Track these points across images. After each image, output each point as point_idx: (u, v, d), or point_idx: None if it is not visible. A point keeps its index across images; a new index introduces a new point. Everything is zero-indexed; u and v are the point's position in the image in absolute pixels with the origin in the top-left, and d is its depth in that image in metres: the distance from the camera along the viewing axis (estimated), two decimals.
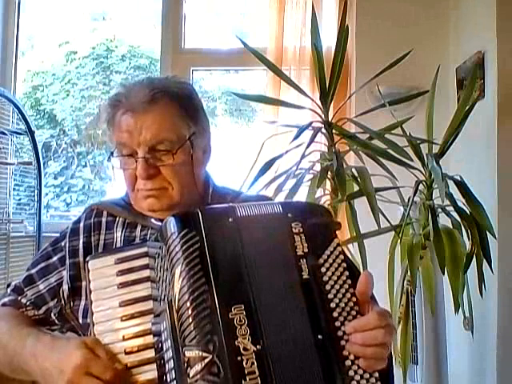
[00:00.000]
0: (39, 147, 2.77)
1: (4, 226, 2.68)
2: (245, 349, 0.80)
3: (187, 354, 0.80)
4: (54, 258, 1.15)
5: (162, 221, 1.05)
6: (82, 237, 1.14)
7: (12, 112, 2.70)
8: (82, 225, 1.16)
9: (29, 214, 2.78)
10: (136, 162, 1.05)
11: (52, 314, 1.13)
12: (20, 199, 2.83)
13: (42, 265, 1.16)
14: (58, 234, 1.21)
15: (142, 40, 3.74)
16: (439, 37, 2.63)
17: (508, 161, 2.09)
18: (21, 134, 2.73)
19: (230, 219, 0.91)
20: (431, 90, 2.03)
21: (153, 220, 1.10)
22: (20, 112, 2.68)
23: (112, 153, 1.10)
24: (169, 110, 1.06)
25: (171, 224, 0.90)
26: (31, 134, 2.71)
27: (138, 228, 1.12)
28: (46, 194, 3.58)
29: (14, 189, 2.77)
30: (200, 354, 0.79)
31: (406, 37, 2.58)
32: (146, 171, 1.04)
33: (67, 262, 1.13)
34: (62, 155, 3.76)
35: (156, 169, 1.06)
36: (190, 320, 0.81)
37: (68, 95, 3.75)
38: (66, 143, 3.73)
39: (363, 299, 0.88)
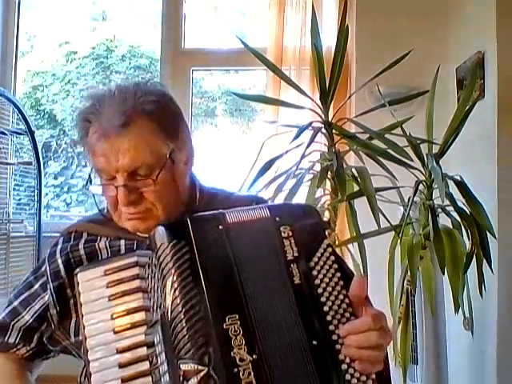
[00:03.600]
0: (39, 147, 2.77)
1: (4, 226, 2.68)
2: (241, 359, 0.79)
3: (182, 367, 0.79)
4: (36, 286, 1.12)
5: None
6: (59, 256, 1.09)
7: (12, 112, 2.70)
8: (59, 247, 1.11)
9: (29, 214, 2.78)
10: (116, 188, 1.00)
11: (44, 339, 1.10)
12: (20, 199, 2.83)
13: (25, 295, 1.12)
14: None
15: (141, 40, 3.74)
16: (439, 37, 2.63)
17: (508, 161, 2.08)
18: (21, 133, 2.73)
19: (220, 226, 0.89)
20: (431, 90, 2.03)
21: (138, 233, 1.06)
22: (20, 112, 2.68)
23: (90, 178, 1.05)
24: (144, 130, 0.99)
25: (160, 234, 0.88)
26: (31, 134, 2.71)
27: (123, 241, 1.08)
28: (46, 194, 3.58)
29: (14, 189, 2.77)
30: (195, 367, 0.78)
31: (406, 37, 2.58)
32: (128, 198, 0.99)
33: (50, 285, 1.08)
34: (62, 155, 3.77)
35: (138, 194, 1.00)
36: (184, 332, 0.80)
37: (68, 95, 3.76)
38: (65, 143, 3.73)
39: (357, 302, 0.86)
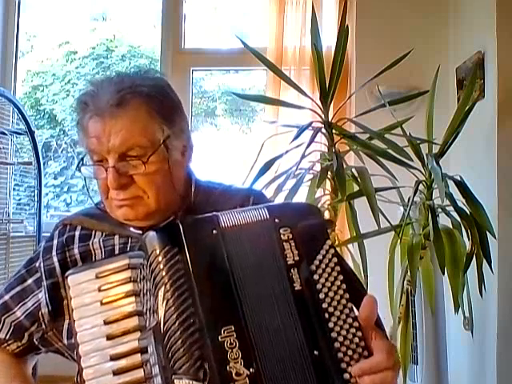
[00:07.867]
0: (39, 147, 2.77)
1: (4, 226, 2.68)
2: (237, 374, 0.76)
3: (177, 382, 0.76)
4: (29, 281, 1.08)
5: (141, 229, 1.01)
6: (55, 254, 1.06)
7: (12, 112, 2.70)
8: (55, 242, 1.08)
9: (29, 214, 2.78)
10: (106, 171, 0.96)
11: (34, 340, 1.08)
12: (20, 199, 2.83)
13: (17, 289, 1.09)
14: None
15: (142, 40, 3.74)
16: (439, 37, 2.63)
17: (508, 161, 2.09)
18: (21, 133, 2.73)
19: (214, 231, 0.84)
20: (431, 90, 2.03)
21: (131, 229, 1.03)
22: (20, 112, 2.68)
23: (82, 159, 1.01)
24: (139, 112, 0.96)
25: (151, 240, 0.84)
26: (31, 133, 2.71)
27: (117, 236, 1.05)
28: (46, 194, 3.58)
29: (13, 189, 2.77)
30: (190, 382, 0.75)
31: (406, 37, 2.58)
32: (117, 181, 0.95)
33: (44, 283, 1.05)
34: (62, 155, 3.77)
35: (128, 178, 0.97)
36: (178, 346, 0.77)
37: (68, 95, 3.76)
38: (66, 143, 3.73)
39: (367, 324, 0.81)
